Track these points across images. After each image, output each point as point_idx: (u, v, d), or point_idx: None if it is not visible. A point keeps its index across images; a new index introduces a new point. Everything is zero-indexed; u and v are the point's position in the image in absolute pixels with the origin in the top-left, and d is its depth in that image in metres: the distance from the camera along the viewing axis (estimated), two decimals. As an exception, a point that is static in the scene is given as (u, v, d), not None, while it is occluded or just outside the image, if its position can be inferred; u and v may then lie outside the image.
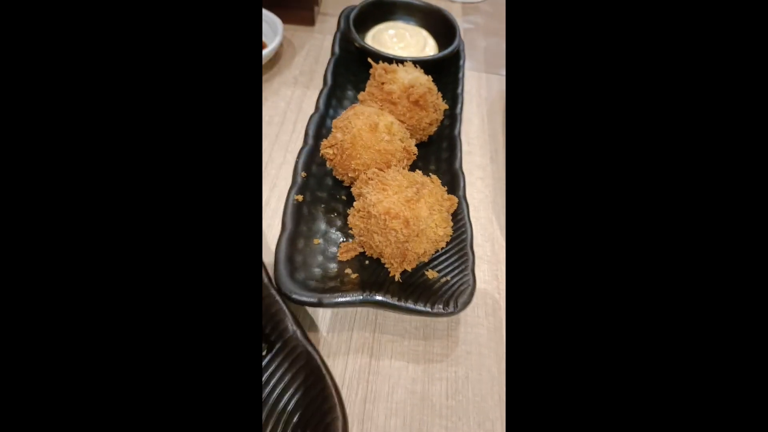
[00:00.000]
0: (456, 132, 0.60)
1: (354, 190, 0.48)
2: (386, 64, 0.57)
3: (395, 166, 0.48)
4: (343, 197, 0.53)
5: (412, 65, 0.58)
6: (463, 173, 0.55)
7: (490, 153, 0.67)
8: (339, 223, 0.51)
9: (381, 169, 0.48)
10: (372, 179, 0.45)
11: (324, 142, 0.50)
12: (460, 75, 0.69)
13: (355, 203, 0.45)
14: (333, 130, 0.50)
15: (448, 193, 0.53)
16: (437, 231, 0.43)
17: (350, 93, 0.66)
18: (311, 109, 0.66)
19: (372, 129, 0.48)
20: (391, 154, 0.48)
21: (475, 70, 0.80)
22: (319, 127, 0.58)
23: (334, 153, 0.49)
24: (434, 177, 0.46)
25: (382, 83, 0.54)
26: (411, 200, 0.41)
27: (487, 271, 0.53)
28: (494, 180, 0.63)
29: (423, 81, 0.55)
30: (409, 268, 0.45)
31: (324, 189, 0.53)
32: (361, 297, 0.43)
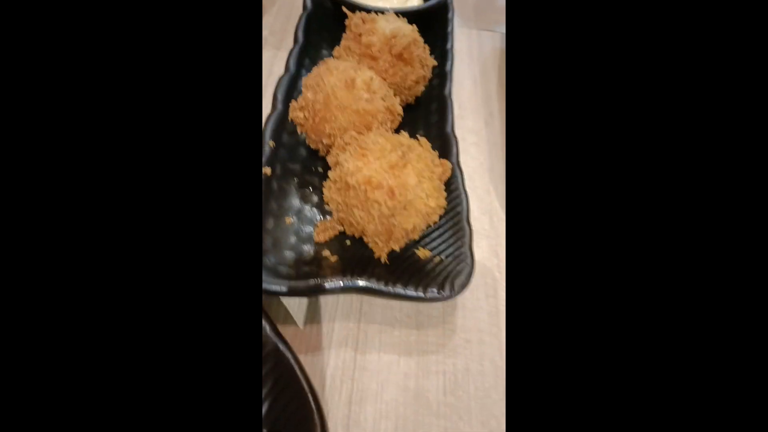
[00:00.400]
0: (446, 92, 0.53)
1: (330, 159, 0.41)
2: (363, 12, 0.49)
3: (377, 129, 0.41)
4: (319, 169, 0.46)
5: (394, 15, 0.51)
6: (455, 137, 0.48)
7: (484, 117, 0.60)
8: (315, 198, 0.44)
9: (360, 133, 0.41)
10: (349, 144, 0.38)
11: (293, 104, 0.43)
12: (449, 29, 0.61)
13: (330, 173, 0.38)
14: (303, 89, 0.43)
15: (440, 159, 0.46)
16: (428, 202, 0.36)
17: (325, 53, 0.58)
18: (281, 72, 0.59)
19: (348, 86, 0.41)
20: (371, 115, 0.41)
21: (465, 26, 0.72)
22: (290, 90, 0.50)
23: (304, 116, 0.42)
24: (423, 139, 0.40)
25: (360, 34, 0.47)
26: (396, 166, 0.35)
27: (486, 248, 0.47)
28: (489, 145, 0.56)
29: (407, 31, 0.47)
30: (396, 248, 0.38)
31: (296, 160, 0.46)
32: (342, 283, 0.37)
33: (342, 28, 0.61)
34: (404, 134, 0.39)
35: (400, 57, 0.46)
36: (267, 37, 0.65)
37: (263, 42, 0.64)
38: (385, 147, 0.36)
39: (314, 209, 0.44)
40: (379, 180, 0.35)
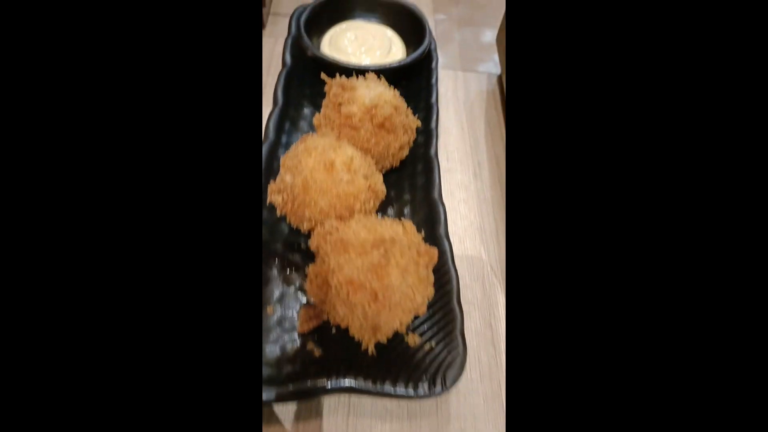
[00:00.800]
0: (432, 152, 0.51)
1: (312, 243, 0.39)
2: (344, 78, 0.48)
3: (359, 211, 0.40)
4: (302, 246, 0.44)
5: (375, 76, 0.49)
6: (442, 204, 0.47)
7: (473, 167, 0.58)
8: (298, 280, 0.42)
9: (342, 217, 0.39)
10: (330, 234, 0.37)
11: (271, 186, 0.41)
12: (433, 80, 0.59)
13: (310, 267, 0.36)
14: (281, 170, 0.41)
15: (427, 231, 0.45)
16: (415, 298, 0.34)
17: (307, 111, 0.56)
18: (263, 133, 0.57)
19: (327, 168, 0.39)
20: (353, 197, 0.39)
21: (450, 68, 0.70)
22: (271, 161, 0.48)
23: (283, 200, 0.40)
24: (407, 223, 0.38)
25: (339, 104, 0.45)
26: (378, 266, 0.33)
27: (479, 320, 0.45)
28: (479, 201, 0.55)
29: (388, 98, 0.46)
30: (383, 340, 0.37)
31: (278, 237, 0.44)
32: (328, 385, 0.35)
33: (323, 82, 0.60)
34: (387, 220, 0.37)
35: (382, 126, 0.45)
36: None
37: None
38: (367, 241, 0.35)
39: (298, 292, 0.42)
40: (362, 281, 0.33)
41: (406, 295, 0.34)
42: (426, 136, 0.53)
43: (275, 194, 0.40)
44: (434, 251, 0.37)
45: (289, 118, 0.54)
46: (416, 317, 0.37)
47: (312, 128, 0.55)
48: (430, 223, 0.45)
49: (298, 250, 0.44)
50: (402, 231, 0.37)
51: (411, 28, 0.62)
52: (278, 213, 0.41)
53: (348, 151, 0.41)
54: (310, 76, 0.60)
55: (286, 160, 0.41)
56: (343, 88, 0.46)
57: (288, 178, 0.40)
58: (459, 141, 0.61)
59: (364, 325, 0.35)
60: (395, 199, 0.49)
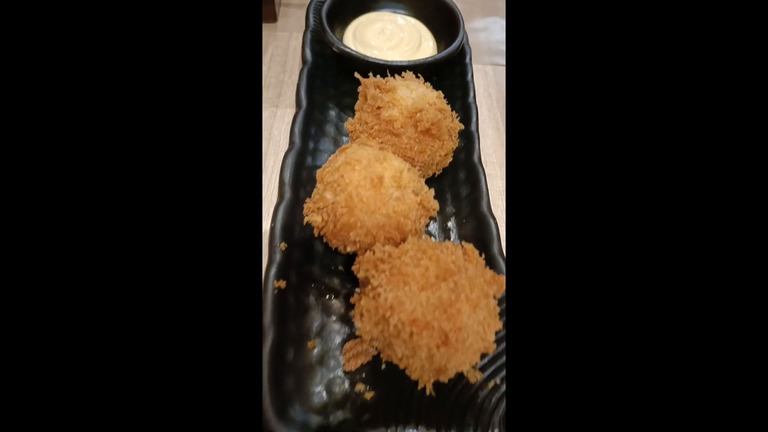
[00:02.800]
0: (475, 158, 0.46)
1: (357, 269, 0.34)
2: (379, 78, 0.43)
3: (410, 232, 0.35)
4: (340, 268, 0.40)
5: (413, 76, 0.44)
6: (494, 218, 0.42)
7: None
8: (338, 306, 0.38)
9: (392, 240, 0.35)
10: (384, 261, 0.32)
11: (308, 204, 0.36)
12: (469, 77, 0.54)
13: (362, 301, 0.32)
14: (318, 185, 0.36)
15: (478, 250, 0.40)
16: (486, 336, 0.30)
17: (332, 114, 0.51)
18: (283, 137, 0.52)
19: (375, 184, 0.34)
20: (404, 216, 0.35)
21: (477, 62, 0.65)
22: (298, 170, 0.43)
23: (323, 220, 0.35)
24: (468, 246, 0.33)
25: (378, 108, 0.40)
26: (447, 303, 0.28)
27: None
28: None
29: (431, 100, 0.41)
30: (445, 381, 0.32)
31: (313, 260, 0.40)
32: (388, 436, 0.31)
33: (348, 79, 0.54)
34: (447, 244, 0.32)
35: (427, 132, 0.40)
36: (262, 92, 0.57)
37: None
38: (429, 271, 0.30)
39: (339, 322, 0.37)
40: (428, 321, 0.28)
41: (477, 334, 0.29)
42: (466, 140, 0.48)
43: (314, 214, 0.35)
44: (502, 279, 0.32)
45: (315, 122, 0.49)
46: (483, 355, 0.33)
47: (339, 132, 0.50)
48: (481, 240, 0.41)
49: (336, 273, 0.39)
50: (464, 255, 0.32)
51: (442, 19, 0.57)
52: (316, 233, 0.37)
53: (395, 163, 0.36)
54: (333, 73, 0.55)
55: (324, 174, 0.36)
56: (381, 89, 0.41)
57: (329, 195, 0.35)
58: (497, 143, 0.56)
59: (427, 367, 0.30)
60: (439, 213, 0.44)
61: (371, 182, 0.34)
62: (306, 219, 0.36)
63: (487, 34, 0.70)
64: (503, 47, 0.68)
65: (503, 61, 0.66)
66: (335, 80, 0.54)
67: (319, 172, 0.37)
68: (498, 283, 0.32)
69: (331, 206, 0.34)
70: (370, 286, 0.32)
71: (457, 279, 0.29)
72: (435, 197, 0.44)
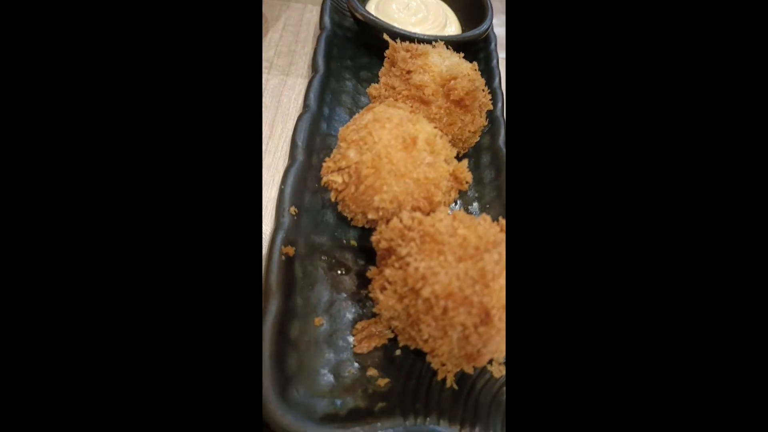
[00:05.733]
0: (500, 142, 0.43)
1: (375, 239, 0.30)
2: (409, 43, 0.39)
3: (440, 203, 0.31)
4: (352, 242, 0.36)
5: (445, 47, 0.41)
6: (520, 204, 0.39)
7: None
8: (349, 283, 0.34)
9: (422, 210, 0.31)
10: (412, 229, 0.28)
11: (327, 164, 0.32)
12: (494, 63, 0.52)
13: (386, 271, 0.28)
14: (340, 144, 0.32)
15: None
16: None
17: (348, 84, 0.48)
18: (294, 105, 0.48)
19: (407, 145, 0.30)
20: (434, 185, 0.31)
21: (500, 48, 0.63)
22: (312, 135, 0.39)
23: (344, 182, 0.31)
24: (504, 223, 0.30)
25: (408, 71, 0.37)
26: (490, 276, 0.25)
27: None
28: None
29: (465, 69, 0.38)
30: (470, 371, 0.28)
31: (323, 230, 0.36)
32: (403, 429, 0.26)
33: (364, 54, 0.51)
34: (485, 218, 0.29)
35: (459, 103, 0.37)
36: (272, 59, 0.54)
37: (269, 66, 0.53)
38: (468, 241, 0.26)
39: (348, 301, 0.33)
40: (467, 295, 0.24)
41: (518, 316, 0.26)
42: (491, 124, 0.45)
43: (334, 174, 0.31)
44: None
45: (331, 90, 0.45)
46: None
47: (356, 105, 0.46)
48: (507, 225, 0.37)
49: (348, 248, 0.35)
50: (500, 230, 0.29)
51: (470, 6, 0.54)
52: (333, 197, 0.33)
53: (428, 127, 0.32)
54: (351, 46, 0.52)
55: (347, 132, 0.32)
56: (412, 53, 0.38)
57: (352, 154, 0.31)
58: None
59: (457, 352, 0.26)
60: (461, 198, 0.41)
61: (403, 143, 0.30)
62: (324, 180, 0.32)
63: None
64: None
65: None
66: (354, 53, 0.51)
67: (341, 130, 0.33)
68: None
69: (355, 166, 0.31)
70: (394, 257, 0.28)
71: (501, 251, 0.26)
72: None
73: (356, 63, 0.50)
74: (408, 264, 0.27)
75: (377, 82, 0.39)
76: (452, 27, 0.54)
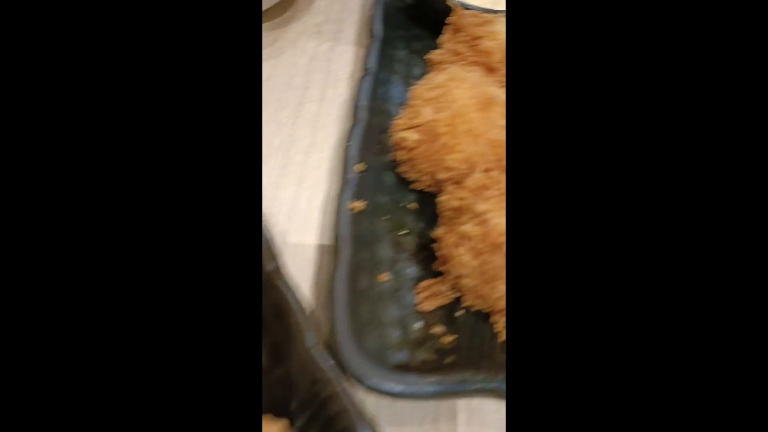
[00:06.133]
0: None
1: (443, 199, 0.30)
2: (476, 12, 0.39)
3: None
4: (414, 205, 0.36)
5: (504, 17, 0.41)
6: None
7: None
8: (410, 244, 0.34)
9: (491, 170, 0.31)
10: (488, 188, 0.28)
11: (399, 121, 0.32)
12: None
13: (466, 226, 0.28)
14: (414, 102, 0.32)
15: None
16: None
17: (402, 53, 0.47)
18: (344, 72, 0.48)
19: (484, 106, 0.30)
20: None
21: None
22: (375, 96, 0.39)
23: (418, 139, 0.31)
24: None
25: (477, 37, 0.37)
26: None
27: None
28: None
29: (532, 41, 0.38)
30: (538, 332, 0.28)
31: (384, 191, 0.35)
32: (480, 383, 0.26)
33: (418, 26, 0.51)
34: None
35: (526, 73, 0.36)
36: (321, 25, 0.53)
37: (317, 32, 0.52)
38: (552, 200, 0.26)
39: (408, 261, 0.33)
40: (555, 250, 0.24)
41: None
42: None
43: (406, 130, 0.31)
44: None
45: (387, 57, 0.45)
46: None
47: (410, 75, 0.46)
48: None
49: (408, 212, 0.35)
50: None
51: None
52: (401, 155, 0.32)
53: (500, 91, 0.32)
54: (404, 16, 0.51)
55: (421, 91, 0.32)
56: (478, 21, 0.38)
57: (428, 111, 0.31)
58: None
59: (531, 309, 0.26)
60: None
61: (480, 103, 0.30)
62: (397, 136, 0.32)
63: None
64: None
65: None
66: (406, 24, 0.50)
67: (413, 89, 0.33)
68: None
69: (431, 124, 0.31)
70: (467, 216, 0.28)
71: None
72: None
73: (410, 34, 0.50)
74: (486, 221, 0.27)
75: (427, 54, 0.39)
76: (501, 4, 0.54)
